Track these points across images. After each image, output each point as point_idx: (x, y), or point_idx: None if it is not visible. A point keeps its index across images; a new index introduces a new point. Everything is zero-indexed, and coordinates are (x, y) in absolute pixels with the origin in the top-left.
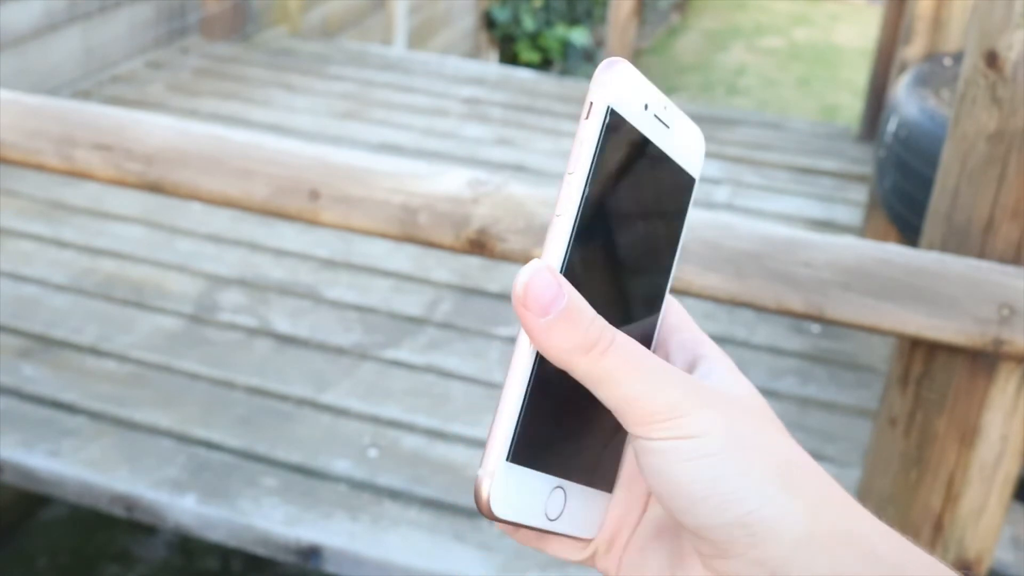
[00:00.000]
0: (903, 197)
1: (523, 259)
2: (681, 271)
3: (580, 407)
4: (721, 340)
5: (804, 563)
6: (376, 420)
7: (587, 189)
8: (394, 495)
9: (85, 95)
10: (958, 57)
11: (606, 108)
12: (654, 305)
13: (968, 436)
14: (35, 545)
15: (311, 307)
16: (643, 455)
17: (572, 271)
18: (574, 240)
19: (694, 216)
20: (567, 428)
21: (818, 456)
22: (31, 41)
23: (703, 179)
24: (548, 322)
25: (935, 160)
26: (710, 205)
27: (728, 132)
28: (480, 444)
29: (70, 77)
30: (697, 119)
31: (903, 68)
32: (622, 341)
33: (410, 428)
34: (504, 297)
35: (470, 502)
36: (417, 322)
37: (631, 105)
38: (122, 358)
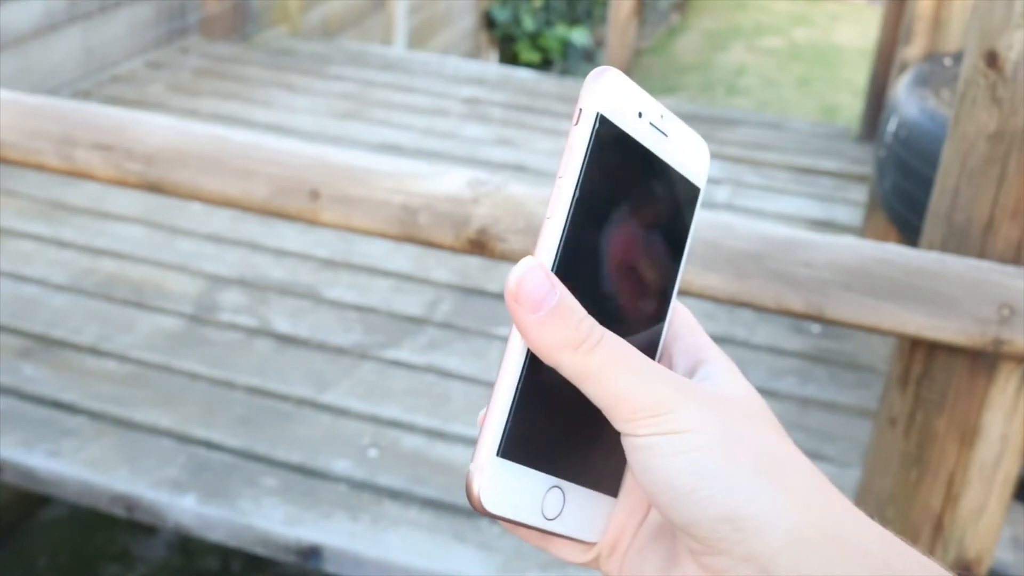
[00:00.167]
0: (903, 197)
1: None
2: None
3: (576, 407)
4: (721, 340)
5: (793, 560)
6: (376, 420)
7: (577, 193)
8: (394, 495)
9: (85, 95)
10: (958, 57)
11: (595, 115)
12: (658, 311)
13: (968, 436)
14: (35, 545)
15: (311, 307)
16: (631, 452)
17: (563, 272)
18: (564, 242)
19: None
20: (562, 428)
21: (818, 456)
22: (31, 41)
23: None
24: (539, 318)
25: (935, 160)
26: (710, 205)
27: (728, 132)
28: None
29: (70, 77)
30: (697, 119)
31: (903, 68)
32: (610, 339)
33: (410, 428)
34: (504, 297)
35: None
36: (417, 322)
37: (623, 113)
38: (122, 358)
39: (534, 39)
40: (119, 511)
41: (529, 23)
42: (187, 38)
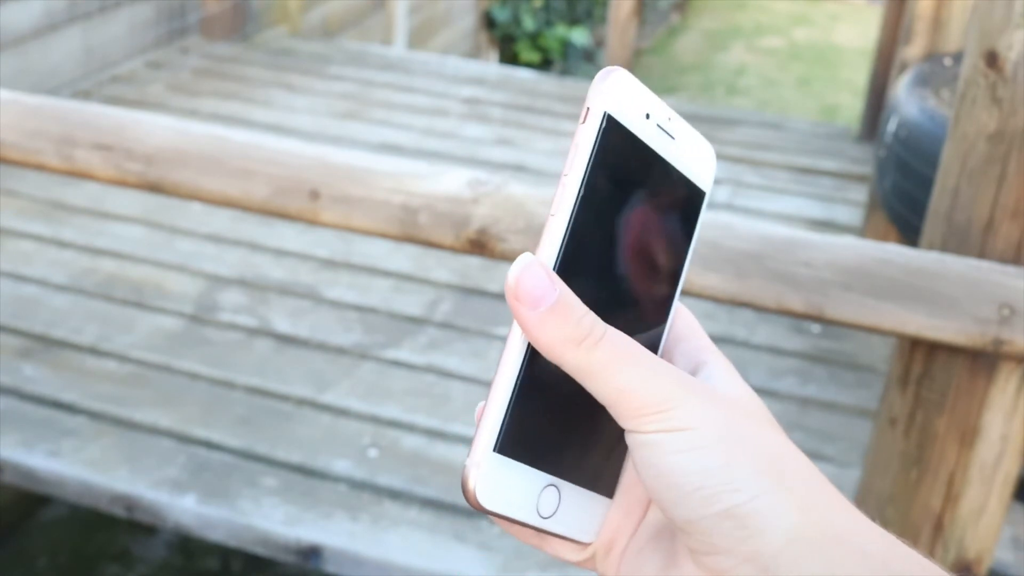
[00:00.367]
0: (903, 197)
1: None
2: None
3: (574, 406)
4: (721, 340)
5: (794, 560)
6: (376, 420)
7: (582, 191)
8: (394, 495)
9: (85, 95)
10: (958, 57)
11: (603, 114)
12: (660, 312)
13: (968, 436)
14: (35, 545)
15: (311, 307)
16: (635, 448)
17: (566, 270)
18: (568, 240)
19: None
20: (560, 425)
21: (818, 456)
22: (31, 41)
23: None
24: (539, 314)
25: (935, 160)
26: (710, 205)
27: (728, 132)
28: None
29: (70, 77)
30: (697, 119)
31: (903, 68)
32: (613, 335)
33: (410, 428)
34: (504, 297)
35: None
36: (417, 322)
37: (630, 113)
38: (122, 358)
39: (534, 39)
40: (119, 511)
41: (529, 23)
42: (187, 38)
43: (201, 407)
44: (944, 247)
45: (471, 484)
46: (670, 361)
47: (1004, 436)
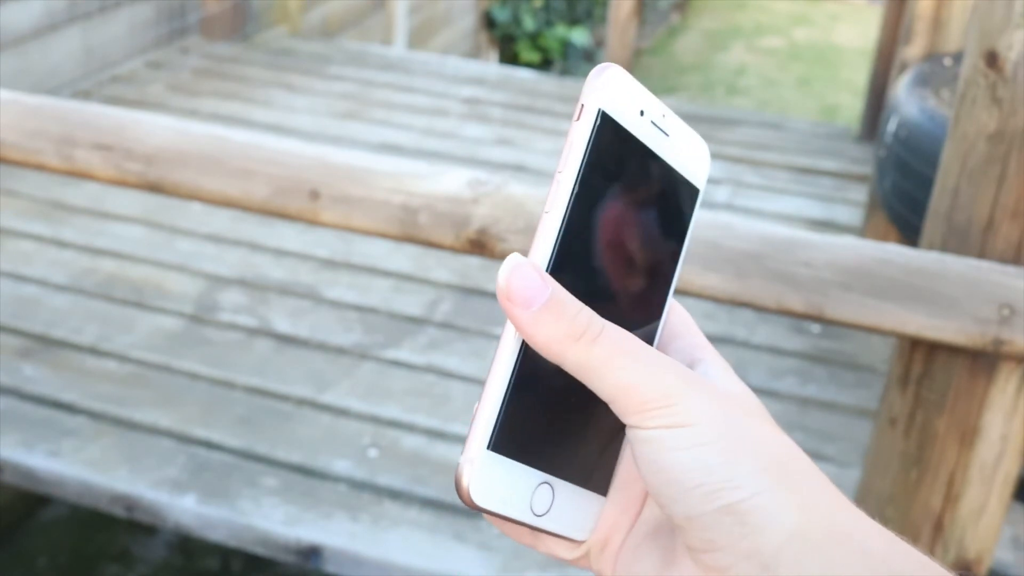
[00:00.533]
0: (903, 197)
1: None
2: (681, 271)
3: (568, 403)
4: (721, 340)
5: (794, 558)
6: (376, 420)
7: (576, 188)
8: (394, 495)
9: (85, 95)
10: (958, 57)
11: (597, 111)
12: (654, 310)
13: (968, 436)
14: (35, 545)
15: (311, 307)
16: (637, 444)
17: (560, 267)
18: (562, 237)
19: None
20: (554, 423)
21: (818, 456)
22: (31, 41)
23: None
24: (533, 314)
25: (935, 160)
26: (710, 205)
27: (728, 132)
28: None
29: (70, 77)
30: (697, 119)
31: (903, 68)
32: (611, 329)
33: (410, 428)
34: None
35: None
36: (417, 322)
37: (625, 110)
38: (122, 358)
39: (534, 39)
40: (119, 511)
41: (529, 23)
42: (187, 38)
43: (201, 407)
44: (944, 247)
45: (465, 482)
46: (667, 355)
47: (1004, 436)
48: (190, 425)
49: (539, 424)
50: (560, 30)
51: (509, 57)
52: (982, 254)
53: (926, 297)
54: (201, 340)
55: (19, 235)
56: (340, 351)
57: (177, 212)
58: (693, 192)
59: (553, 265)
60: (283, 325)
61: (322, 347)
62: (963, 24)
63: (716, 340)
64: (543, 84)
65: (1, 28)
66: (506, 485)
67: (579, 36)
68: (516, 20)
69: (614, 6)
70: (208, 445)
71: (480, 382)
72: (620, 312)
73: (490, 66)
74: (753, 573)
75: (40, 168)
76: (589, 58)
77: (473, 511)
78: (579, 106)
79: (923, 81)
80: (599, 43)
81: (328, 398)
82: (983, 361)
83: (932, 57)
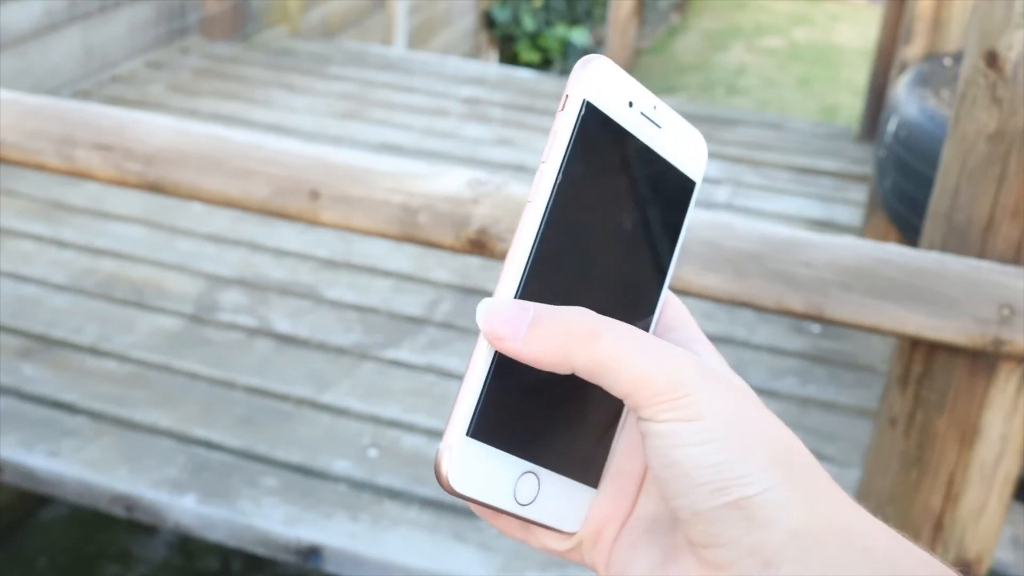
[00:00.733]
0: (903, 197)
1: None
2: (681, 271)
3: (552, 392)
4: (721, 340)
5: (798, 555)
6: (376, 420)
7: (559, 178)
8: (394, 495)
9: (85, 95)
10: (958, 57)
11: (582, 101)
12: (647, 302)
13: (968, 436)
14: (35, 545)
15: (311, 307)
16: (649, 438)
17: (543, 256)
18: (545, 227)
19: (694, 216)
20: (538, 412)
21: (818, 456)
22: (31, 41)
23: (704, 179)
24: (524, 338)
25: (935, 160)
26: (710, 205)
27: (728, 132)
28: None
29: (70, 77)
30: (697, 119)
31: (903, 68)
32: (612, 324)
33: (410, 428)
34: None
35: None
36: (417, 322)
37: (612, 101)
38: (122, 358)
39: (534, 39)
40: (119, 511)
41: (529, 23)
42: (187, 38)
43: (201, 407)
44: (944, 247)
45: (444, 468)
46: None
47: (1004, 436)
48: (190, 425)
49: (522, 412)
50: (560, 30)
51: (509, 57)
52: (982, 254)
53: (926, 297)
54: (201, 340)
55: (19, 235)
56: (340, 351)
57: (177, 212)
58: (688, 185)
59: (536, 254)
60: (283, 325)
61: (322, 347)
62: (963, 24)
63: (716, 340)
64: (543, 84)
65: (1, 28)
66: (487, 473)
67: (579, 36)
68: (516, 20)
69: (614, 6)
70: (208, 445)
71: None
72: (609, 304)
73: (490, 66)
74: (755, 570)
75: (40, 168)
76: None
77: (472, 512)
78: (564, 96)
79: (923, 81)
80: (599, 43)
81: (328, 398)
82: (983, 361)
83: (932, 57)
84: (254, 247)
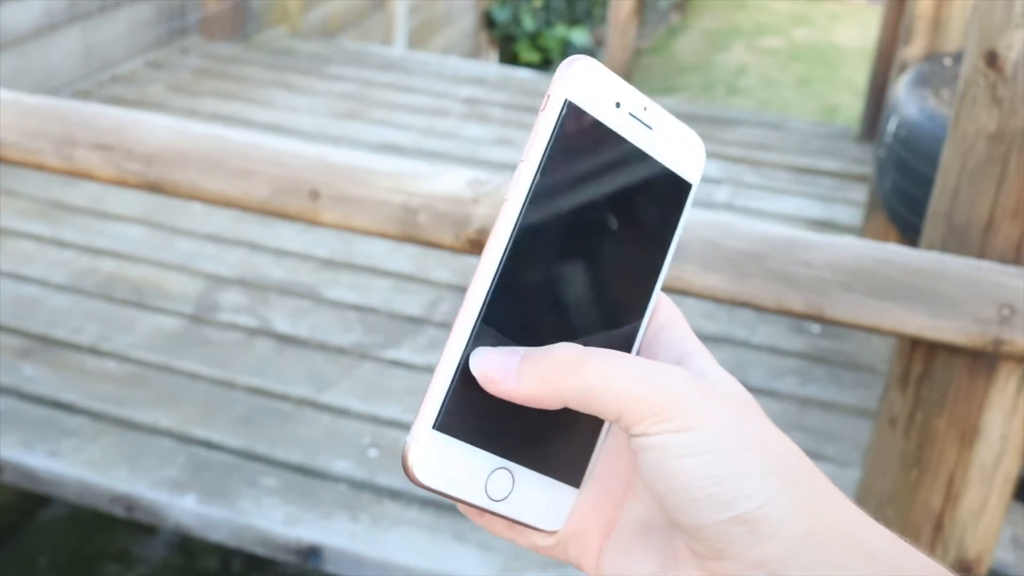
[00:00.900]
0: (903, 197)
1: None
2: (681, 271)
3: None
4: (721, 340)
5: (804, 563)
6: (376, 420)
7: (538, 177)
8: (394, 495)
9: (85, 95)
10: (958, 57)
11: (563, 101)
12: (636, 303)
13: (968, 436)
14: (35, 545)
15: (311, 307)
16: (642, 452)
17: (519, 254)
18: (521, 225)
19: (694, 216)
20: (510, 410)
21: (818, 456)
22: (31, 41)
23: (704, 179)
24: (516, 376)
25: (935, 160)
26: (710, 205)
27: (728, 132)
28: None
29: (70, 77)
30: (697, 119)
31: (903, 68)
32: (597, 351)
33: (410, 428)
34: None
35: None
36: (417, 322)
37: (597, 101)
38: (122, 358)
39: (534, 39)
40: (119, 511)
41: (529, 23)
42: (187, 38)
43: (201, 407)
44: (944, 247)
45: (410, 460)
46: (653, 351)
47: (1004, 436)
48: (190, 425)
49: (493, 409)
50: (560, 30)
51: (509, 57)
52: (982, 254)
53: (926, 297)
54: (201, 340)
55: (19, 235)
56: (340, 351)
57: (177, 212)
58: (683, 187)
59: (510, 250)
60: (283, 325)
61: (322, 347)
62: (963, 24)
63: (716, 340)
64: (543, 84)
65: (1, 28)
66: (455, 466)
67: (579, 36)
68: (516, 20)
69: (614, 6)
70: (208, 445)
71: None
72: (592, 306)
73: (490, 66)
74: None
75: (40, 168)
76: None
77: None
78: (546, 96)
79: (923, 81)
80: (599, 43)
81: (328, 398)
82: (983, 361)
83: (932, 57)
84: (254, 247)
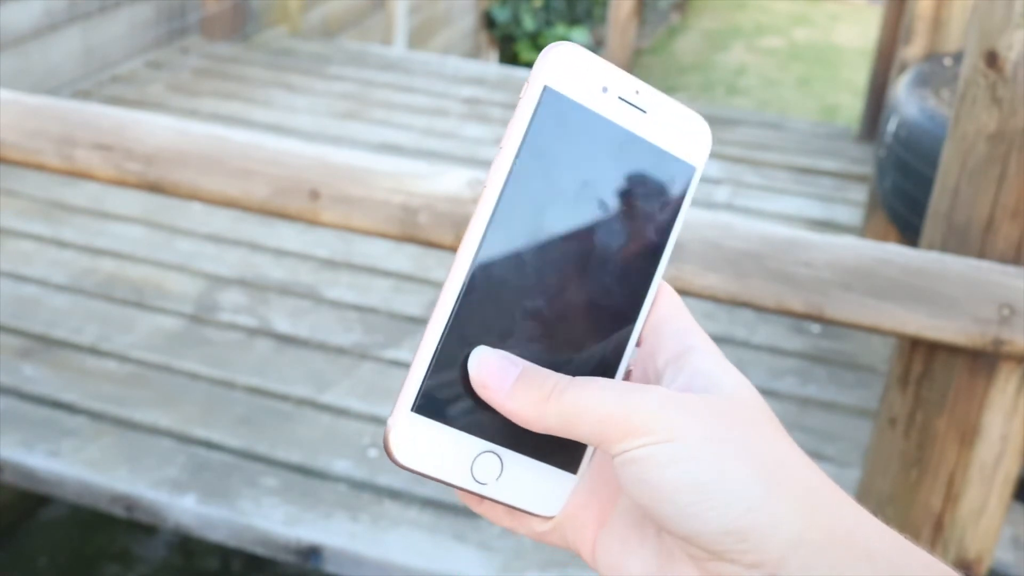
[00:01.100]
0: (903, 197)
1: None
2: (681, 271)
3: None
4: (721, 340)
5: (801, 564)
6: (376, 420)
7: (516, 164)
8: (394, 495)
9: (85, 95)
10: (958, 57)
11: (541, 87)
12: (632, 291)
13: (968, 436)
14: (35, 545)
15: (311, 307)
16: (623, 468)
17: (497, 240)
18: (498, 211)
19: (694, 216)
20: None
21: (818, 456)
22: (31, 41)
23: (704, 179)
24: (508, 391)
25: (935, 160)
26: (710, 205)
27: (728, 132)
28: None
29: (70, 77)
30: None
31: (903, 68)
32: (578, 379)
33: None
34: None
35: None
36: (417, 322)
37: (580, 87)
38: (122, 358)
39: (534, 39)
40: (119, 511)
41: (529, 23)
42: (187, 38)
43: (201, 407)
44: (944, 247)
45: (389, 440)
46: (657, 340)
47: (1004, 436)
48: (190, 425)
49: (475, 394)
50: (560, 30)
51: (509, 57)
52: (982, 254)
53: (926, 297)
54: (201, 340)
55: (19, 235)
56: (340, 351)
57: (177, 212)
58: (684, 170)
59: (489, 237)
60: (283, 325)
61: (322, 347)
62: (963, 24)
63: (716, 340)
64: None
65: (1, 28)
66: (438, 449)
67: (579, 36)
68: (516, 20)
69: (614, 6)
70: (208, 445)
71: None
72: (580, 292)
73: (490, 66)
74: None
75: (40, 168)
76: None
77: (475, 512)
78: (525, 83)
79: (923, 81)
80: (599, 43)
81: (328, 398)
82: (983, 361)
83: (932, 57)
84: (254, 247)
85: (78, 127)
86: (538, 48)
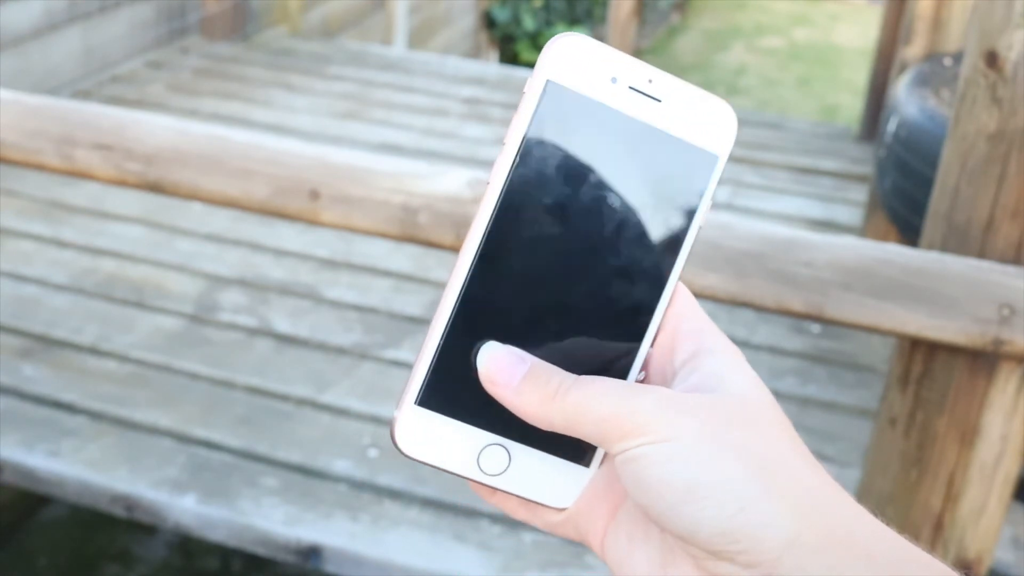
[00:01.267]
0: (903, 197)
1: None
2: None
3: None
4: None
5: (797, 565)
6: (376, 420)
7: (518, 159)
8: (394, 495)
9: (85, 95)
10: (958, 57)
11: (543, 82)
12: (651, 286)
13: (968, 436)
14: (35, 545)
15: (311, 307)
16: (622, 467)
17: (502, 236)
18: (502, 208)
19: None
20: None
21: (818, 456)
22: (31, 41)
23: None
24: (515, 387)
25: (935, 160)
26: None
27: None
28: None
29: (70, 77)
30: None
31: (903, 68)
32: (583, 379)
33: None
34: None
35: (470, 502)
36: (417, 322)
37: (587, 79)
38: (122, 358)
39: (534, 39)
40: (119, 511)
41: (529, 23)
42: (187, 38)
43: (201, 407)
44: (944, 247)
45: (395, 431)
46: (672, 339)
47: (1004, 436)
48: (190, 425)
49: (480, 388)
50: (560, 30)
51: (509, 57)
52: (982, 254)
53: (926, 297)
54: (201, 340)
55: (19, 235)
56: (340, 351)
57: (177, 212)
58: (706, 160)
59: (493, 231)
60: (283, 325)
61: (322, 347)
62: (963, 24)
63: None
64: None
65: (1, 28)
66: (444, 441)
67: None
68: (516, 20)
69: (614, 6)
70: (208, 445)
71: None
72: (589, 286)
73: (490, 66)
74: None
75: (40, 168)
76: None
77: (475, 512)
78: (528, 79)
79: (923, 81)
80: None
81: (328, 398)
82: (983, 361)
83: (932, 57)
84: (254, 247)
85: (78, 127)
86: (538, 48)
